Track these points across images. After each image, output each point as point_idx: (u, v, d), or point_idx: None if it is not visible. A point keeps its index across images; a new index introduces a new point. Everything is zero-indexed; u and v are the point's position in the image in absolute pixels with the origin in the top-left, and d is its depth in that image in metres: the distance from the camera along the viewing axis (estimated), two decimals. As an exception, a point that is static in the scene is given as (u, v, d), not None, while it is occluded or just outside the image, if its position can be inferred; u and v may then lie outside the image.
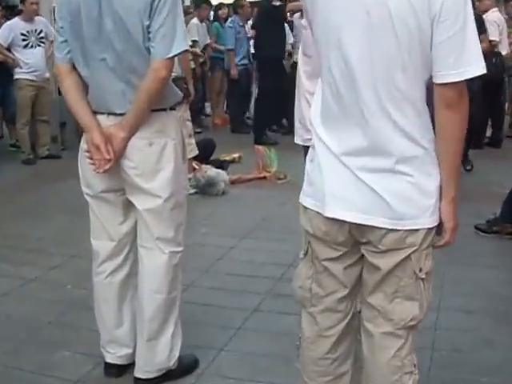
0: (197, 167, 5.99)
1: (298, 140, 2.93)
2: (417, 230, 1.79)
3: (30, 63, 7.13)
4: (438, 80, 1.71)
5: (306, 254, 1.98)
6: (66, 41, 2.43)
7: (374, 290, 1.88)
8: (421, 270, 1.83)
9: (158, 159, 2.45)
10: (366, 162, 1.77)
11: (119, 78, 2.39)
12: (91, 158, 2.45)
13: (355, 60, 1.73)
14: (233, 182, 6.25)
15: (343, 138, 1.80)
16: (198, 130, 8.73)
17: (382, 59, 1.70)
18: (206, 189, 5.88)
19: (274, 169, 6.51)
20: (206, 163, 6.32)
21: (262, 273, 3.88)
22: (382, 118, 1.74)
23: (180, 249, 2.59)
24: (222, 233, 4.74)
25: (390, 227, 1.78)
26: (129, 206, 2.57)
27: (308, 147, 2.80)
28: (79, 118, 2.50)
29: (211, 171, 6.07)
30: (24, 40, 7.12)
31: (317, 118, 1.90)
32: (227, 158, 7.20)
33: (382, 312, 1.87)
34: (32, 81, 7.16)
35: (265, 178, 6.46)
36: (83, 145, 2.52)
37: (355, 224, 1.81)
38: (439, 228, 1.82)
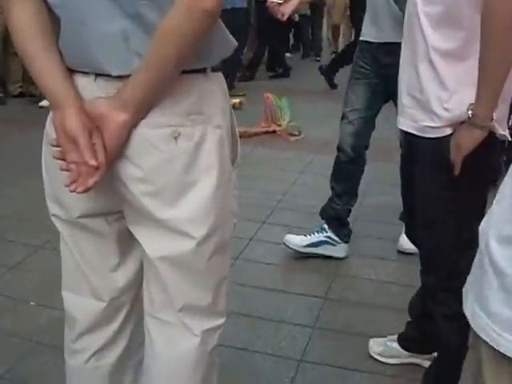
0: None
1: (402, 125, 1.75)
2: None
3: None
4: None
5: None
6: None
7: None
8: None
9: (188, 165, 1.30)
10: None
11: (119, 9, 1.23)
12: (63, 159, 1.29)
13: None
14: (236, 137, 5.12)
15: None
16: None
17: None
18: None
19: (286, 122, 5.34)
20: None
21: (296, 288, 2.78)
22: None
23: (221, 321, 1.47)
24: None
25: None
26: (129, 240, 1.44)
27: (427, 140, 1.69)
28: (40, 82, 1.32)
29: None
30: None
31: None
32: (225, 104, 6.06)
33: None
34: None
35: (274, 132, 5.32)
36: (49, 131, 1.36)
37: None
38: None
